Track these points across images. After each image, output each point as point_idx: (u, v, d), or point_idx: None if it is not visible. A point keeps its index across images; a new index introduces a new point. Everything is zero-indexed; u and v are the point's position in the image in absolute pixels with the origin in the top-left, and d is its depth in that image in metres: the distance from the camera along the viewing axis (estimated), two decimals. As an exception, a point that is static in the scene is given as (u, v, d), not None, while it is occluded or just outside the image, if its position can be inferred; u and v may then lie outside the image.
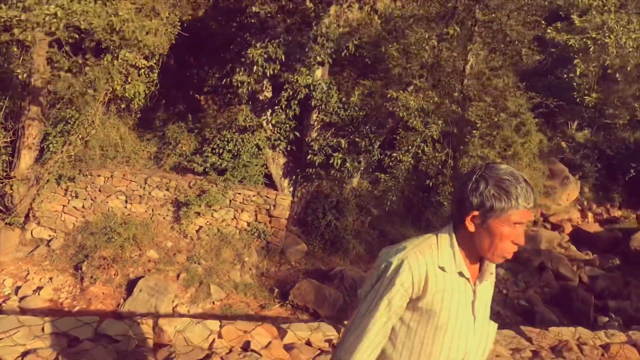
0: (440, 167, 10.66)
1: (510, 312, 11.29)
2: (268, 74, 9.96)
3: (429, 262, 1.82)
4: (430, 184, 11.01)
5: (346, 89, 11.99)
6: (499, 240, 1.79)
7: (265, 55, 9.87)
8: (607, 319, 11.38)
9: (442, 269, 1.84)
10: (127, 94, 9.13)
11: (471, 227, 1.84)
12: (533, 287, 12.34)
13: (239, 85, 10.03)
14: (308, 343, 4.01)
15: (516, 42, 11.95)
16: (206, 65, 13.19)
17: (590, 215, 16.72)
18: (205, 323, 3.80)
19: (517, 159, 16.34)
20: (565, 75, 11.26)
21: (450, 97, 10.76)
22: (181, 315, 9.14)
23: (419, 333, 1.85)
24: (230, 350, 3.69)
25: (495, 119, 11.37)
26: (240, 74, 9.95)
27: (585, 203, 17.16)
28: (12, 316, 3.42)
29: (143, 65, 9.43)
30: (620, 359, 4.54)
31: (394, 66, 10.43)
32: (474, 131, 10.46)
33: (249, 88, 10.15)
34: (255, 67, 9.79)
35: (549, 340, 4.69)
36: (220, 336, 3.78)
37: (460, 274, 1.87)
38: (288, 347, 3.86)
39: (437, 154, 10.61)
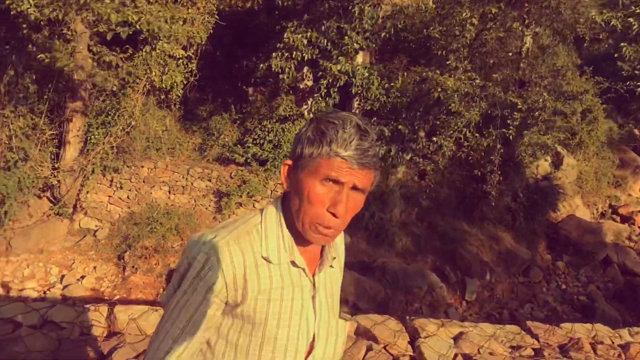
0: (484, 154, 10.08)
1: (567, 307, 10.63)
2: (306, 58, 9.73)
3: (247, 254, 1.35)
4: (479, 173, 10.46)
5: (394, 75, 11.61)
6: (307, 202, 1.32)
7: (305, 40, 9.66)
8: (678, 318, 10.48)
9: (267, 260, 1.37)
10: (164, 85, 9.15)
11: (286, 184, 1.41)
12: (595, 282, 11.57)
13: (279, 71, 9.86)
14: None
15: (573, 22, 11.15)
16: (253, 56, 13.17)
17: (666, 207, 15.50)
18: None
19: (583, 147, 15.45)
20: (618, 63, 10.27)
21: (498, 80, 10.16)
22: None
23: (240, 348, 1.37)
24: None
25: (555, 104, 10.67)
26: (278, 59, 9.77)
27: (661, 194, 15.93)
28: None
29: (181, 56, 9.44)
30: (639, 360, 4.03)
31: (436, 48, 9.96)
32: (515, 114, 9.80)
33: (290, 75, 9.96)
34: (294, 52, 9.59)
35: (558, 338, 4.22)
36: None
37: (293, 263, 1.41)
38: None
39: (482, 140, 10.05)
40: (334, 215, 1.32)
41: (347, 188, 1.31)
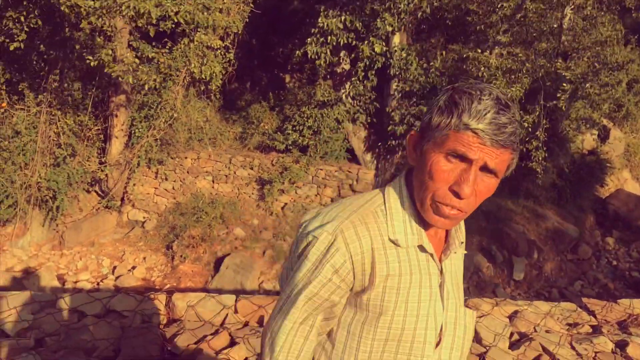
0: (531, 130, 9.87)
1: (619, 284, 10.40)
2: (342, 43, 9.68)
3: (375, 236, 1.23)
4: (524, 150, 10.26)
5: (432, 55, 11.46)
6: (428, 177, 1.17)
7: (340, 25, 9.61)
8: None
9: (395, 243, 1.24)
10: (203, 76, 9.25)
11: (411, 158, 1.26)
12: (648, 257, 11.26)
13: (315, 56, 9.84)
14: None
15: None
16: (289, 43, 13.18)
17: None
18: (220, 298, 3.67)
19: (629, 120, 14.99)
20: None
21: (540, 53, 9.91)
22: (266, 292, 9.26)
23: (363, 340, 1.27)
24: (245, 325, 3.57)
25: (600, 76, 10.36)
26: (314, 44, 9.75)
27: None
28: (24, 292, 3.50)
29: (218, 46, 9.52)
30: None
31: (474, 22, 9.74)
32: (564, 85, 9.54)
33: (326, 60, 9.93)
34: (329, 37, 9.56)
35: (617, 314, 4.12)
36: (236, 311, 3.65)
37: (421, 248, 1.28)
38: None
39: (526, 116, 9.84)
40: (457, 195, 1.16)
41: (475, 167, 1.14)
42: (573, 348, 3.64)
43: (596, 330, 3.97)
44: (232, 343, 3.38)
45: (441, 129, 1.15)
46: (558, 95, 9.54)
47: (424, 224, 1.27)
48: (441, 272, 1.32)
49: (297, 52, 10.19)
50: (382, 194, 1.31)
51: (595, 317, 4.15)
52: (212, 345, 3.30)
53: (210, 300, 3.63)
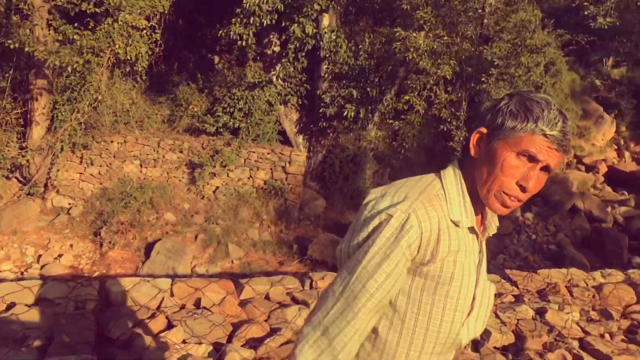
0: (453, 110, 10.22)
1: (539, 257, 11.00)
2: (265, 24, 9.59)
3: (441, 216, 1.40)
4: (445, 129, 10.61)
5: (361, 37, 11.57)
6: (499, 171, 1.36)
7: (266, 6, 9.50)
8: (642, 259, 10.96)
9: (456, 223, 1.42)
10: (129, 57, 8.98)
11: (474, 151, 1.44)
12: (564, 230, 11.96)
13: (238, 38, 9.71)
14: (267, 297, 3.85)
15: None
16: (217, 24, 12.96)
17: (627, 154, 16.01)
18: (156, 282, 3.65)
19: (547, 100, 15.73)
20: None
21: (463, 36, 10.23)
22: (199, 276, 9.19)
23: (424, 304, 1.43)
24: (182, 308, 3.58)
25: (518, 58, 10.82)
26: (237, 25, 9.62)
27: (622, 142, 16.41)
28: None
29: (144, 26, 9.25)
30: (612, 300, 4.25)
31: (401, 2, 9.92)
32: (491, 69, 9.93)
33: (248, 41, 9.82)
34: (252, 18, 9.44)
35: (537, 284, 4.42)
36: (172, 294, 3.65)
37: (472, 229, 1.47)
38: (244, 303, 3.71)
39: (449, 96, 10.18)
40: (522, 188, 1.37)
41: (539, 166, 1.36)
42: (497, 317, 3.86)
43: (518, 299, 4.22)
44: (170, 326, 3.37)
45: (516, 131, 1.35)
46: (483, 79, 9.89)
47: (474, 208, 1.47)
48: (480, 251, 1.53)
49: (221, 32, 10.01)
50: (439, 179, 1.47)
51: (517, 287, 4.41)
52: (149, 328, 3.28)
53: (145, 285, 3.60)
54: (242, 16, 9.49)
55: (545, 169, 1.37)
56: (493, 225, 1.59)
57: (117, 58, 9.36)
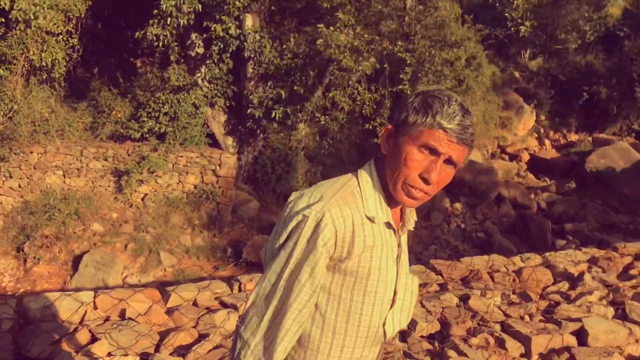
0: (376, 107, 10.40)
1: (468, 245, 11.34)
2: (182, 25, 9.40)
3: (355, 213, 1.44)
4: (370, 127, 10.78)
5: (286, 37, 11.57)
6: (403, 164, 1.42)
7: (185, 6, 9.29)
8: (564, 242, 11.50)
9: (371, 219, 1.46)
10: (45, 63, 8.62)
11: (384, 148, 1.50)
12: (491, 218, 12.39)
13: (154, 39, 9.49)
14: (195, 304, 3.81)
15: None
16: (137, 26, 12.63)
17: (547, 142, 16.76)
18: (77, 295, 3.54)
19: (470, 93, 16.23)
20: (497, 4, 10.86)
21: (385, 33, 10.42)
22: (132, 286, 8.94)
23: (343, 300, 1.48)
24: (106, 320, 3.48)
25: (434, 56, 11.14)
26: (155, 27, 9.39)
27: (542, 130, 17.15)
28: None
29: (60, 31, 8.90)
30: (530, 282, 4.46)
31: (323, 2, 10.00)
32: (407, 68, 10.16)
33: (168, 43, 9.61)
34: (169, 19, 9.24)
35: (460, 272, 4.57)
36: (95, 307, 3.54)
37: (388, 224, 1.51)
38: (171, 311, 3.65)
39: (372, 95, 10.36)
40: (425, 181, 1.41)
41: (442, 159, 1.40)
42: (423, 306, 3.96)
43: (443, 287, 4.34)
44: (94, 339, 3.27)
45: (417, 126, 1.40)
46: (401, 76, 10.11)
47: (390, 204, 1.52)
48: (399, 245, 1.58)
49: (138, 34, 9.74)
50: (355, 177, 1.52)
51: (442, 276, 4.53)
52: (71, 344, 3.16)
53: (66, 299, 3.46)
54: (159, 17, 9.26)
55: (450, 162, 1.42)
56: (412, 220, 1.63)
57: (33, 65, 8.97)
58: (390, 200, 1.51)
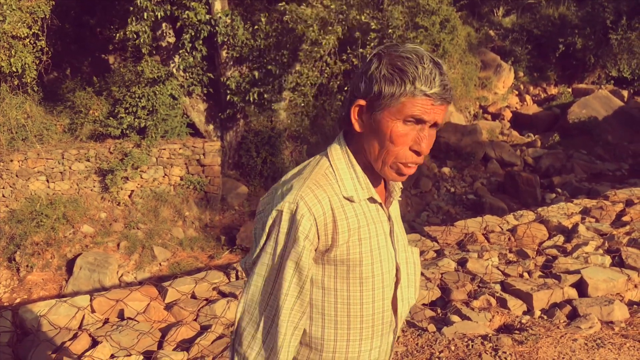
0: (345, 77, 10.35)
1: (459, 208, 11.38)
2: (159, 17, 9.26)
3: (332, 196, 1.32)
4: (342, 98, 10.71)
5: (257, 17, 11.40)
6: (389, 142, 1.29)
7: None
8: (554, 195, 11.58)
9: (349, 199, 1.34)
10: (14, 69, 8.43)
11: (357, 125, 1.33)
12: (479, 179, 12.43)
13: (135, 36, 9.35)
14: (193, 296, 3.77)
15: None
16: (107, 23, 12.41)
17: (528, 98, 16.79)
18: (73, 300, 3.49)
19: (447, 57, 16.17)
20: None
21: (352, 4, 10.29)
22: (128, 285, 8.90)
23: (339, 292, 1.37)
24: (105, 323, 3.44)
25: (416, 20, 11.06)
26: (134, 23, 9.24)
27: (522, 87, 17.17)
28: None
29: (26, 35, 8.70)
30: (526, 239, 4.47)
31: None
32: (372, 34, 10.08)
33: (147, 37, 9.47)
34: (145, 14, 9.09)
35: (455, 236, 4.58)
36: (93, 310, 3.50)
37: (372, 199, 1.39)
38: (170, 306, 3.61)
39: (340, 65, 10.28)
40: (417, 153, 1.31)
41: (427, 126, 1.30)
42: (422, 274, 3.96)
43: (439, 253, 4.34)
44: (95, 343, 3.23)
45: (396, 97, 1.26)
46: (368, 42, 10.03)
47: (371, 178, 1.40)
48: (389, 218, 1.46)
49: (118, 34, 9.62)
50: (326, 157, 1.39)
51: (437, 242, 4.53)
52: (72, 350, 3.13)
53: (62, 306, 3.41)
54: (135, 13, 9.10)
55: (435, 125, 1.31)
56: (397, 189, 1.51)
57: (2, 72, 8.78)
58: (371, 174, 1.39)
